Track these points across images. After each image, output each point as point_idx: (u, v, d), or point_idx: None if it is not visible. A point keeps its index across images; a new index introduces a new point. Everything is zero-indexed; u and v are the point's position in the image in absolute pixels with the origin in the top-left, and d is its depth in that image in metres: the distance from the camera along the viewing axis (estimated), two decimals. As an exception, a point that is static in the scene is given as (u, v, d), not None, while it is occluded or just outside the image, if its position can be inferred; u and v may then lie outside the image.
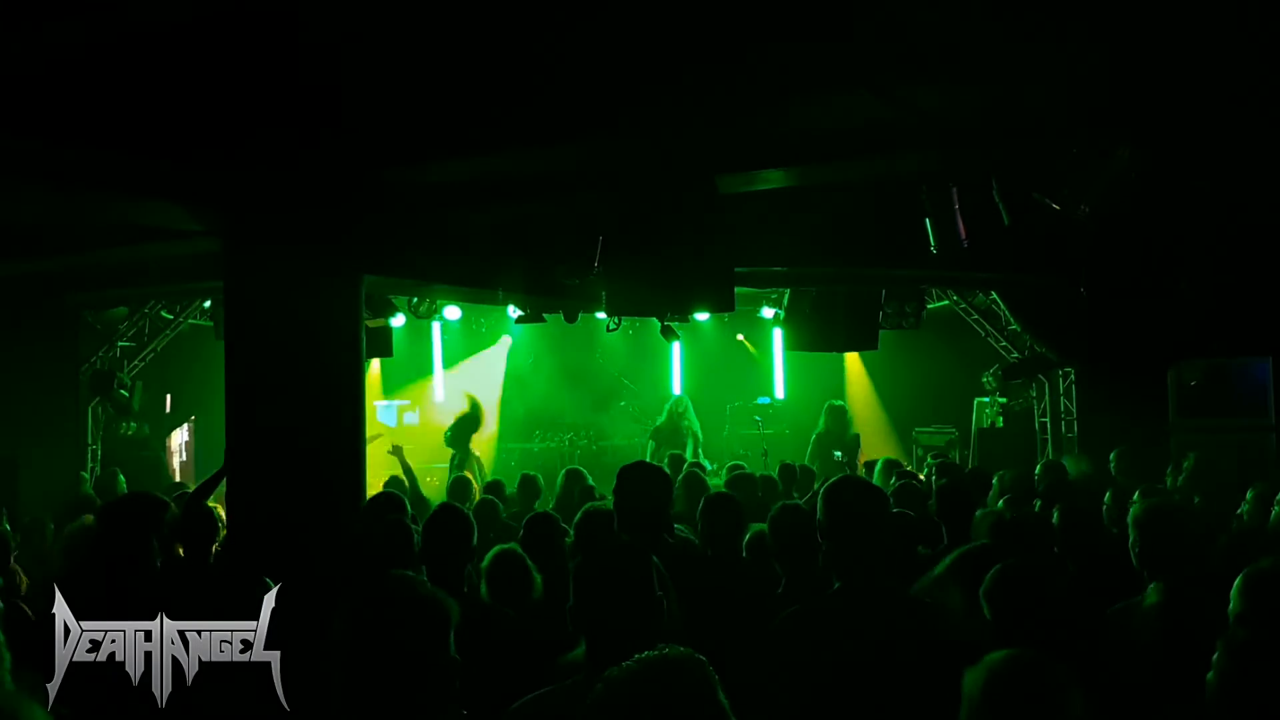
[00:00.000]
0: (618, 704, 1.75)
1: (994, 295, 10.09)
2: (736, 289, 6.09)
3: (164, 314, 10.50)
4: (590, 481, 7.21)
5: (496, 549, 4.06)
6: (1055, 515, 4.61)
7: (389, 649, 2.13)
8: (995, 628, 2.89)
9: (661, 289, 5.83)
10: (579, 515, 4.46)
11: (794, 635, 2.88)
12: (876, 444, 11.91)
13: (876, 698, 2.71)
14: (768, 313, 11.73)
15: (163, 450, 11.21)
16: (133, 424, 10.47)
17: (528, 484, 7.66)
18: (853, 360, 13.33)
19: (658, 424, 11.72)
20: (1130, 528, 3.64)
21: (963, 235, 6.33)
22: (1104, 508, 5.67)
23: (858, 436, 11.36)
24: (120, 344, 10.31)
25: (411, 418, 14.27)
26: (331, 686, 2.15)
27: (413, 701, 2.14)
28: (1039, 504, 6.09)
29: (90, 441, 9.93)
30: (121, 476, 8.36)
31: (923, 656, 2.74)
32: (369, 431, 6.50)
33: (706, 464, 9.45)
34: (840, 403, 11.49)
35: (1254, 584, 2.99)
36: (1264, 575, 3.01)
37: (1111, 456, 7.99)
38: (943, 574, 3.57)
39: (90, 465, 9.76)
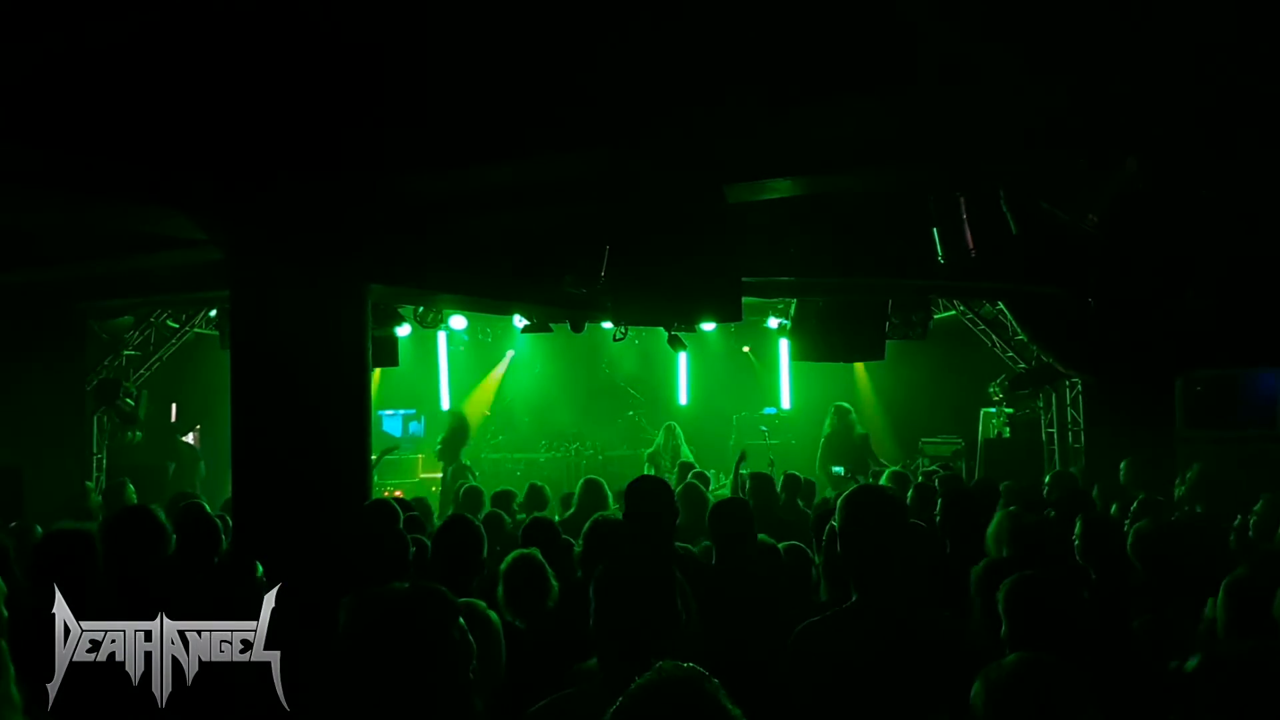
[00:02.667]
0: None
1: (1001, 305, 10.05)
2: (743, 299, 6.07)
3: (170, 323, 10.52)
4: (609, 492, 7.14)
5: (515, 553, 4.00)
6: (1078, 525, 4.48)
7: (405, 670, 2.07)
8: (1012, 638, 2.85)
9: (669, 298, 5.82)
10: (588, 525, 4.43)
11: (812, 648, 2.83)
12: (882, 454, 11.87)
13: (894, 711, 2.68)
14: (773, 323, 11.72)
15: (167, 459, 11.19)
16: (138, 433, 10.46)
17: (535, 494, 7.65)
18: (859, 370, 13.31)
19: (654, 450, 11.76)
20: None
21: (970, 245, 6.30)
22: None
23: (865, 436, 11.60)
24: (126, 353, 10.32)
25: (416, 427, 14.27)
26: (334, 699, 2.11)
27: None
28: (1052, 513, 6.02)
29: (95, 451, 9.93)
30: (131, 486, 8.34)
31: (939, 669, 2.70)
32: (380, 447, 6.46)
33: (709, 476, 9.47)
34: (845, 404, 11.79)
35: (1236, 591, 2.99)
36: (1243, 582, 3.00)
37: (1121, 466, 7.98)
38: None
39: (95, 475, 9.74)
